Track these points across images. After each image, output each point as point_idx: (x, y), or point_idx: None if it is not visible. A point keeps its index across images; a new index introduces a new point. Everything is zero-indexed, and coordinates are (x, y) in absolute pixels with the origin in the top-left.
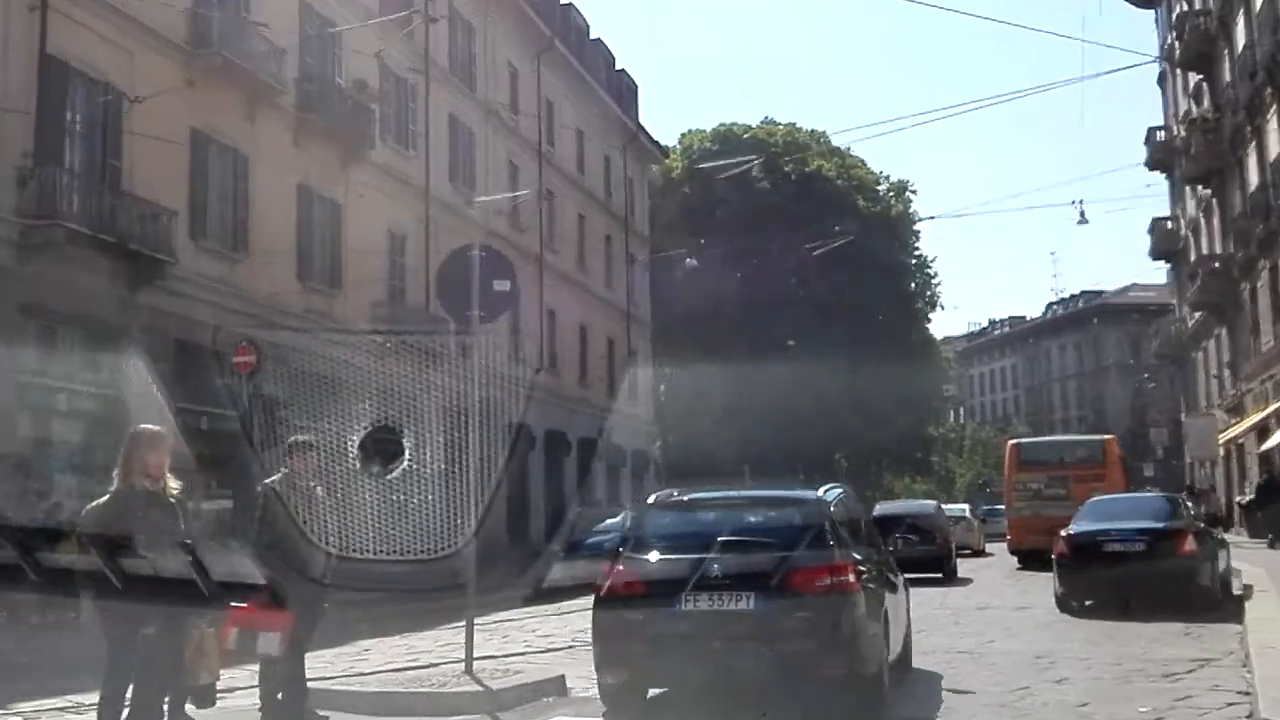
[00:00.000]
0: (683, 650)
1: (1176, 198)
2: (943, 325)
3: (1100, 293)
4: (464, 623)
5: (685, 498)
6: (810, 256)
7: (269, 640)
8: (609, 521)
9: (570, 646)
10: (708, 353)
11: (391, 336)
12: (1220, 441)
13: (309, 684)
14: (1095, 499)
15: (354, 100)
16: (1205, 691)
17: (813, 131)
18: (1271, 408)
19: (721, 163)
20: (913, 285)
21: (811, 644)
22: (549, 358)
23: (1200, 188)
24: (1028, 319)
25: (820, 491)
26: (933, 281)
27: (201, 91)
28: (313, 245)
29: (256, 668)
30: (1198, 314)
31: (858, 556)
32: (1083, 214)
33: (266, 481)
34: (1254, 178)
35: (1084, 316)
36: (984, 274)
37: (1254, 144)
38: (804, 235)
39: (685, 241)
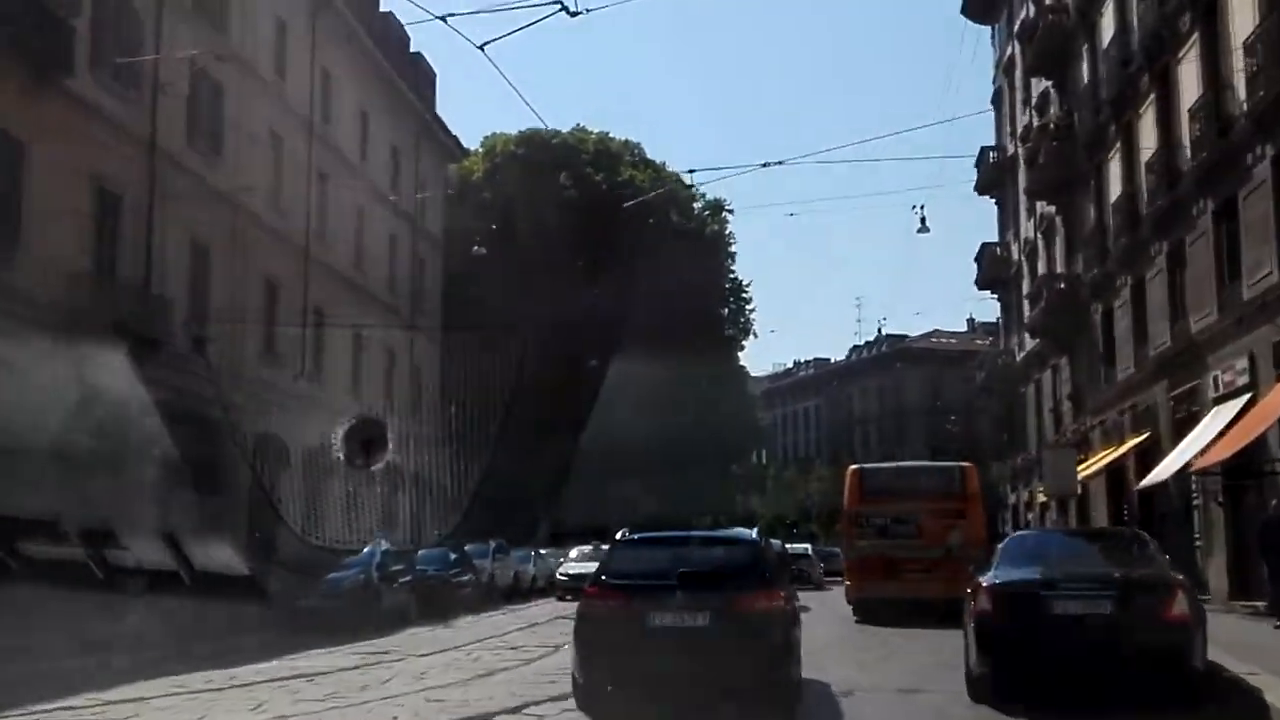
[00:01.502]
0: (651, 657)
1: (1008, 222)
2: (751, 361)
3: (903, 337)
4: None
5: (646, 536)
6: (621, 276)
7: None
8: (363, 552)
9: None
10: (506, 374)
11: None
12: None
13: None
14: (1019, 534)
15: (44, 9)
16: None
17: (626, 142)
18: (1133, 441)
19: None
20: (725, 311)
21: (752, 654)
22: (313, 364)
23: (1043, 205)
24: (831, 361)
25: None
26: (747, 308)
27: None
28: None
29: None
30: (1035, 342)
31: (784, 586)
32: (923, 221)
33: None
34: (1116, 185)
35: (887, 360)
36: (789, 316)
37: (1119, 144)
38: (613, 250)
39: (484, 253)
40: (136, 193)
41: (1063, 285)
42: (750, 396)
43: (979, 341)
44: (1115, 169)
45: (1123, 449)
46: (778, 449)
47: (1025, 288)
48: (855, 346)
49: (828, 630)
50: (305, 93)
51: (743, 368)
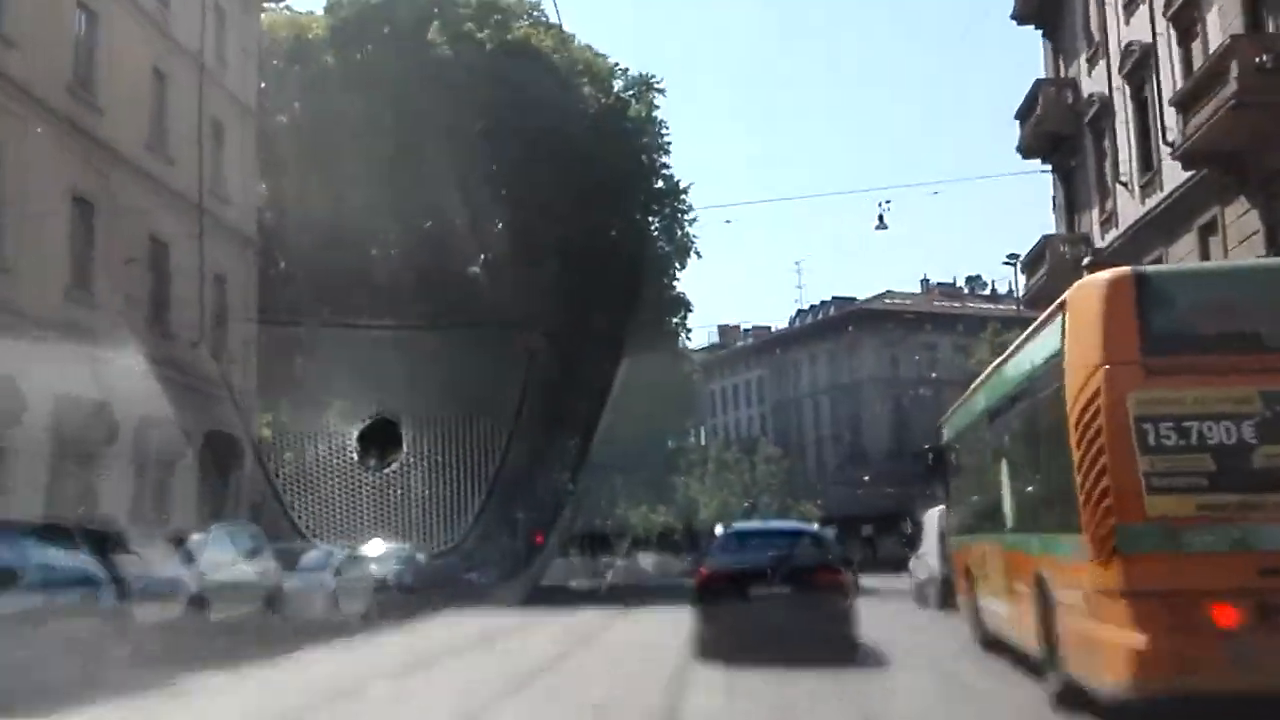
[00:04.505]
0: (752, 617)
1: (1075, 49)
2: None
3: (853, 299)
4: None
5: (739, 530)
6: (508, 166)
7: None
8: None
9: None
10: (367, 301)
11: None
12: None
13: None
14: None
15: None
16: None
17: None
18: None
19: None
20: (656, 222)
21: (826, 616)
22: None
23: None
24: (774, 329)
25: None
26: (685, 217)
27: None
28: None
29: None
30: (1190, 175)
31: (842, 566)
32: (881, 219)
33: None
34: None
35: (837, 324)
36: (728, 283)
37: None
38: (503, 129)
39: (327, 132)
40: None
41: (1268, 62)
42: (688, 359)
43: (937, 302)
44: None
45: None
46: (717, 428)
47: (1122, 129)
48: (800, 310)
49: None
50: None
51: (681, 297)
